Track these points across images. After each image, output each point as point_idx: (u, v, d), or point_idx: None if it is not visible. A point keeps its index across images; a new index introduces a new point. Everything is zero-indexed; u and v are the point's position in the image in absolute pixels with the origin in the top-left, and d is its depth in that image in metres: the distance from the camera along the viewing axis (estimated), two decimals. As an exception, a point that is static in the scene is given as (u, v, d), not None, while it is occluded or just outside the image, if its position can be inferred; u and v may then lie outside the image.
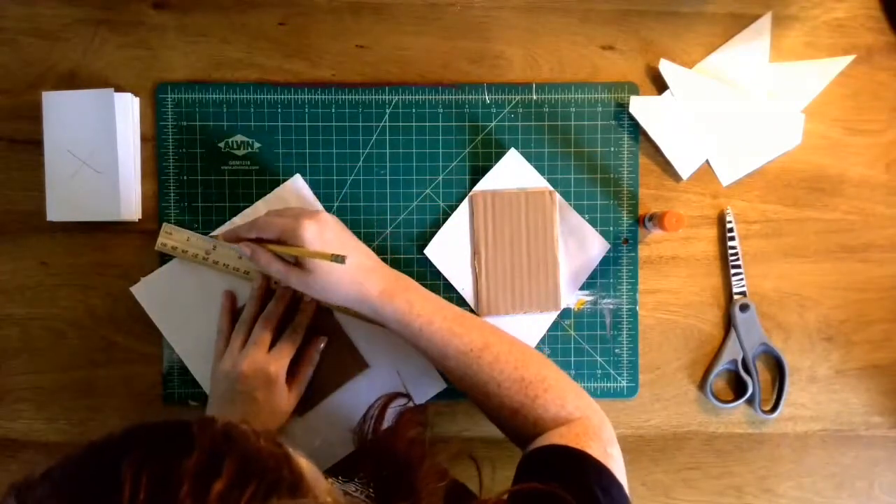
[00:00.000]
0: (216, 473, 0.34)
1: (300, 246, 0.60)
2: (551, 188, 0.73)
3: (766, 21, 0.74)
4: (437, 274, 0.73)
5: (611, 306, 0.74)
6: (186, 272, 0.71)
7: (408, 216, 0.73)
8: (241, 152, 0.72)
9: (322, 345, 0.71)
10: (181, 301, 0.71)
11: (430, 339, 0.62)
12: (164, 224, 0.71)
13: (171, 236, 0.71)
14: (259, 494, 0.35)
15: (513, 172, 0.73)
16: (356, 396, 0.72)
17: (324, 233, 0.61)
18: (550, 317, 0.73)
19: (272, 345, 0.68)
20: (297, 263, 0.62)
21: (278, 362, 0.67)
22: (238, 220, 0.72)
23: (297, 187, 0.72)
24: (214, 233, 0.71)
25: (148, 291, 0.71)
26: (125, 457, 0.34)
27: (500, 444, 0.74)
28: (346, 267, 0.59)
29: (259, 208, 0.72)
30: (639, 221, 0.74)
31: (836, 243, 0.75)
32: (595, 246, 0.73)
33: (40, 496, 0.35)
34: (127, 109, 0.70)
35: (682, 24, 0.74)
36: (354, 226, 0.72)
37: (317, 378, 0.71)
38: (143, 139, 0.72)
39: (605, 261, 0.74)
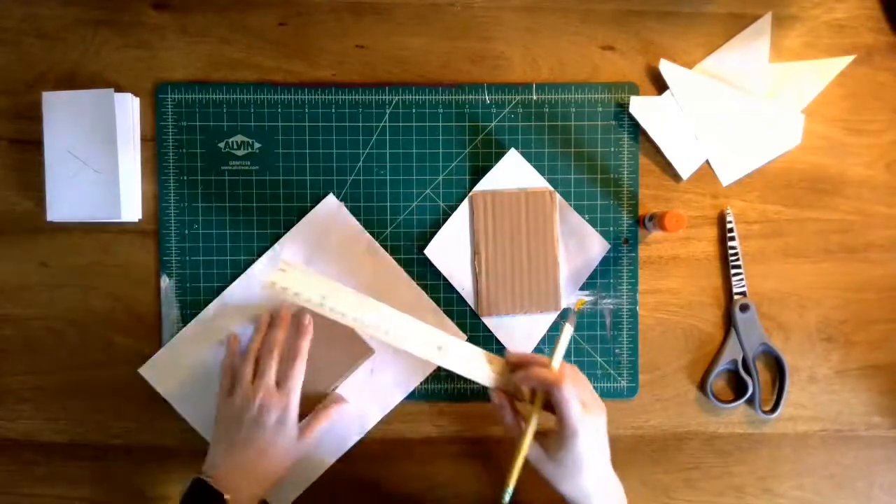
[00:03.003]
0: None
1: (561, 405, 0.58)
2: (551, 188, 0.73)
3: (766, 21, 0.74)
4: (437, 274, 0.73)
5: (611, 306, 0.74)
6: (191, 345, 0.71)
7: (408, 216, 0.73)
8: (241, 152, 0.72)
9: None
10: (191, 376, 0.71)
11: None
12: (282, 260, 0.68)
13: (286, 274, 0.65)
14: None
15: (513, 172, 0.73)
16: (363, 380, 0.72)
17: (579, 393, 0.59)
18: (550, 317, 0.73)
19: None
20: (542, 434, 0.61)
21: (289, 396, 0.66)
22: (294, 234, 0.72)
23: (337, 206, 0.72)
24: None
25: (157, 370, 0.71)
26: None
27: (501, 444, 0.74)
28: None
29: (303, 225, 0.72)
30: (639, 221, 0.74)
31: (836, 243, 0.75)
32: (595, 246, 0.73)
33: None
34: (127, 109, 0.70)
35: (682, 24, 0.74)
36: (354, 226, 0.73)
37: (324, 366, 0.70)
38: (143, 139, 0.72)
39: (605, 261, 0.74)
